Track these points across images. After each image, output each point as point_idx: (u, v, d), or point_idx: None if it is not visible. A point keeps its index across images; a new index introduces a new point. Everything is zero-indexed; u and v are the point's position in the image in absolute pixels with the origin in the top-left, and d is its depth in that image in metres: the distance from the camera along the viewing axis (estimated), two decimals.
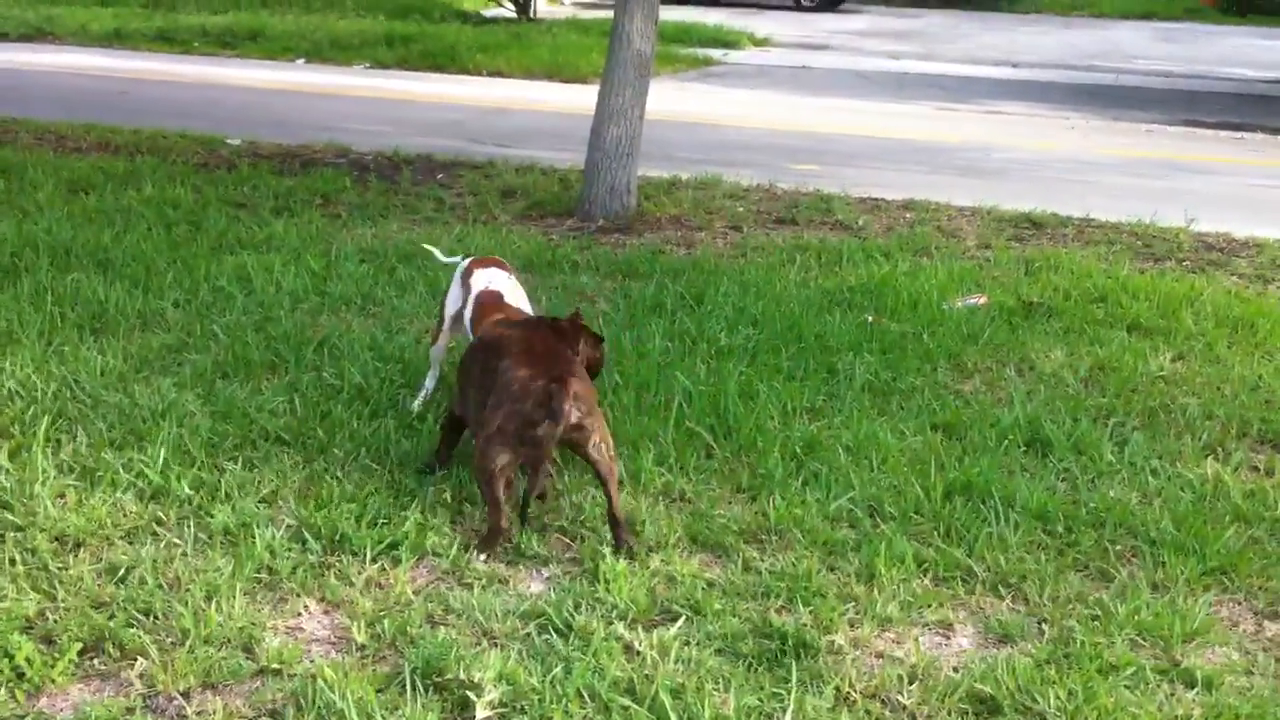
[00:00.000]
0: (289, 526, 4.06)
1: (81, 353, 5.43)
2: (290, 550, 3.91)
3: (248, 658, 3.37)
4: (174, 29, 19.21)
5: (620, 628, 3.55)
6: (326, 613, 3.65)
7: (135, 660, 3.34)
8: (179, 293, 6.37)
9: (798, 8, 27.56)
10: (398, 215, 8.58)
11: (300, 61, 17.50)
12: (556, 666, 3.32)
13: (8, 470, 4.34)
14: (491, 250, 7.44)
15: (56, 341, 5.55)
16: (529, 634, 3.53)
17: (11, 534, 3.95)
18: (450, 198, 9.20)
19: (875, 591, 3.83)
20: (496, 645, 3.47)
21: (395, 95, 14.66)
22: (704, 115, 13.59)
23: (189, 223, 7.88)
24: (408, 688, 3.21)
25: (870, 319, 6.32)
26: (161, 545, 3.93)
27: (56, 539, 3.94)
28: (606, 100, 8.58)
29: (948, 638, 3.70)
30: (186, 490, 4.23)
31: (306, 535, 3.99)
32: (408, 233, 8.01)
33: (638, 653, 3.44)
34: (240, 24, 19.28)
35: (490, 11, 22.35)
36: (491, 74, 16.69)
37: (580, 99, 13.50)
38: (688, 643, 3.50)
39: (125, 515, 4.10)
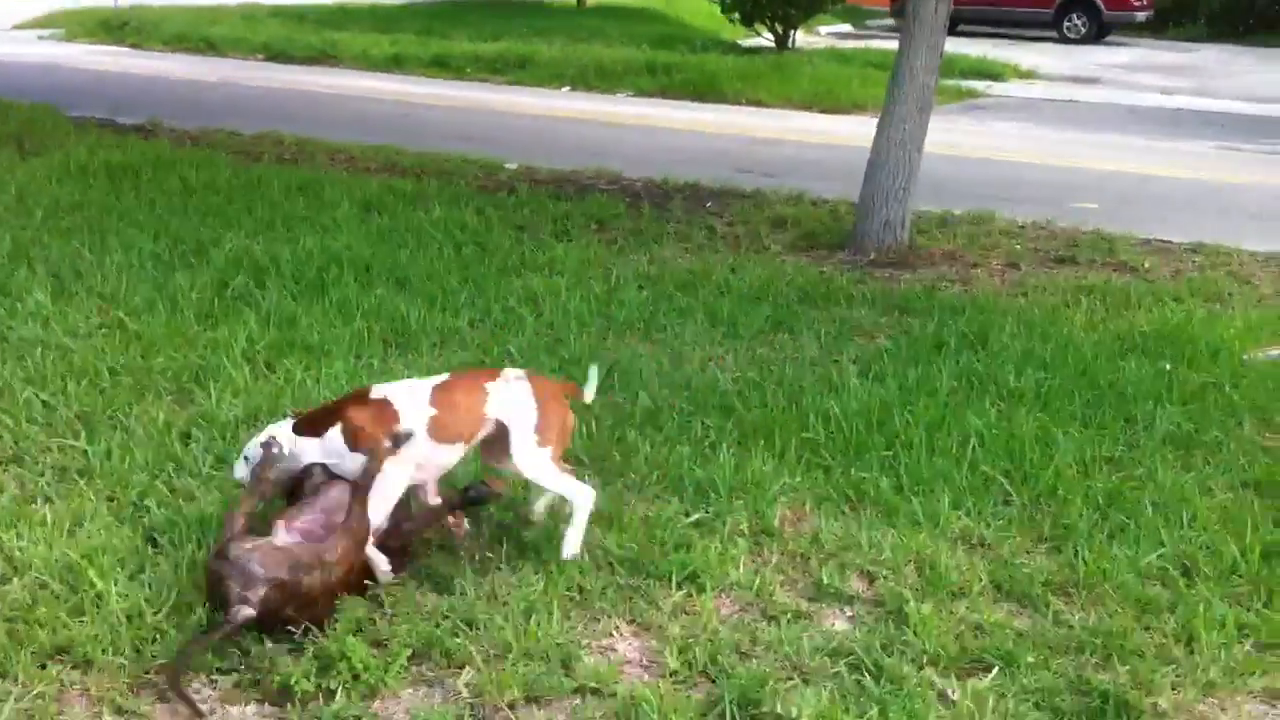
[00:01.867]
0: (597, 549, 4.15)
1: (388, 366, 5.70)
2: (600, 571, 4.00)
3: (566, 674, 3.46)
4: (448, 55, 20.00)
5: (931, 674, 3.51)
6: (637, 635, 3.72)
7: (462, 669, 3.47)
8: (473, 312, 6.62)
9: (1062, 39, 26.81)
10: (671, 242, 8.71)
11: (566, 89, 18.00)
12: (872, 709, 3.30)
13: None
14: (768, 282, 7.50)
15: (365, 355, 5.84)
16: (839, 673, 3.51)
17: None
18: (721, 226, 9.30)
19: (1195, 654, 3.68)
20: (808, 682, 3.47)
21: (658, 123, 14.91)
22: (971, 149, 13.33)
23: (476, 244, 8.17)
24: (726, 718, 3.23)
25: (1168, 367, 6.08)
26: (477, 558, 4.07)
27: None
28: (885, 133, 8.52)
29: (1275, 707, 3.52)
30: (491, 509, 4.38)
31: (614, 558, 4.07)
32: (683, 260, 8.13)
33: (952, 702, 3.39)
34: (511, 52, 19.94)
35: (749, 41, 22.49)
36: (751, 103, 16.81)
37: (844, 129, 13.54)
38: (1003, 694, 3.43)
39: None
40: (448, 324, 6.37)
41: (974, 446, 4.97)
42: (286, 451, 3.95)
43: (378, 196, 9.43)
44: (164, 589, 3.75)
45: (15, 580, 3.79)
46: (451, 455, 4.07)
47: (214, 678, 3.41)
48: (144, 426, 4.95)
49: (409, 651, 3.50)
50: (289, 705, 3.30)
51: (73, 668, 3.39)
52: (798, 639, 3.66)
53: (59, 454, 4.73)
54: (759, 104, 16.76)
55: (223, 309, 6.41)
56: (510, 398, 4.06)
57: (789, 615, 3.82)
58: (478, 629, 3.64)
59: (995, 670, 3.54)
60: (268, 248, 7.51)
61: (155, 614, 3.63)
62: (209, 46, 21.55)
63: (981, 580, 4.05)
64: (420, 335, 6.17)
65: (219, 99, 15.74)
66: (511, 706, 3.32)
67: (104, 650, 3.43)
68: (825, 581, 4.02)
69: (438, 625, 3.65)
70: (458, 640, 3.58)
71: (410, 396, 4.03)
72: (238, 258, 7.28)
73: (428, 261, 7.53)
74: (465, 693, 3.39)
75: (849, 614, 3.90)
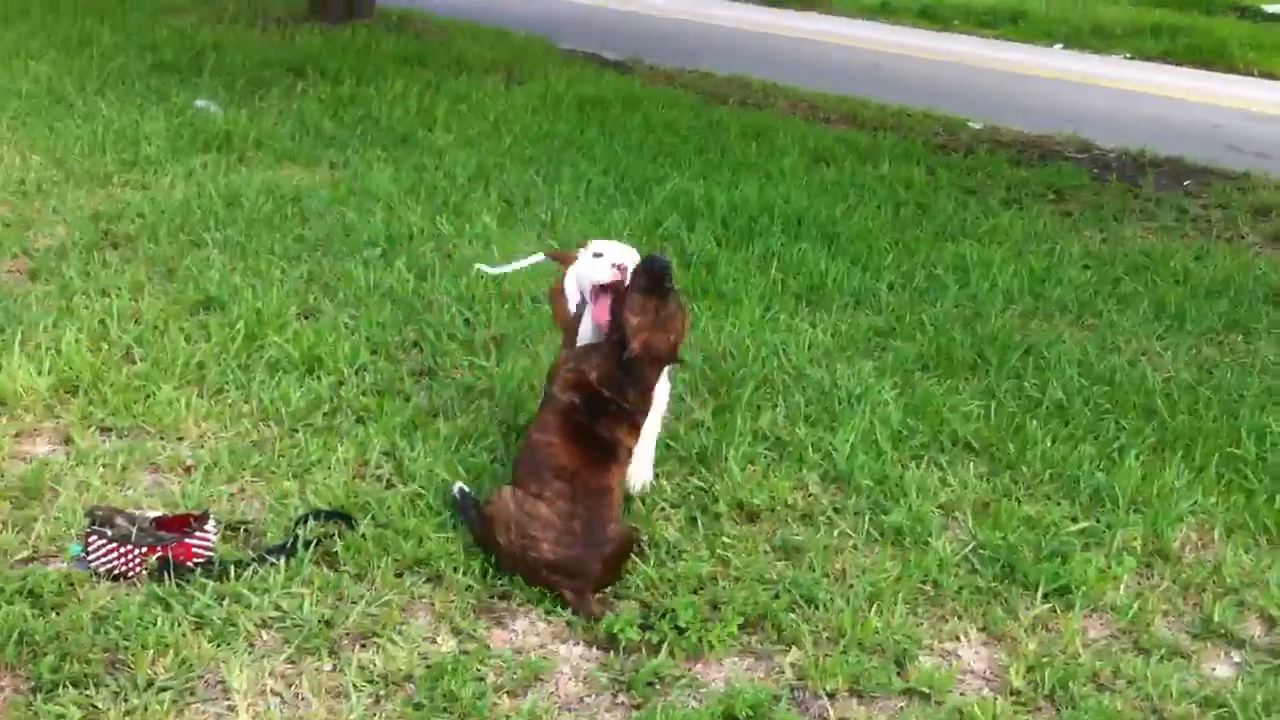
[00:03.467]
0: (961, 541, 3.90)
1: (795, 323, 5.60)
2: (959, 567, 3.76)
3: (898, 673, 3.27)
4: (938, 6, 19.58)
5: None
6: (985, 644, 3.46)
7: (790, 648, 3.35)
8: (895, 275, 6.40)
9: None
10: (1133, 220, 8.07)
11: (1058, 47, 17.11)
12: None
13: (709, 428, 4.56)
14: (1233, 275, 6.81)
15: (775, 308, 5.76)
16: None
17: (696, 492, 4.12)
18: (1195, 208, 8.53)
19: None
20: None
21: (1149, 89, 13.85)
22: None
23: (917, 204, 7.91)
24: None
25: None
26: (835, 533, 3.93)
27: (737, 505, 4.06)
28: None
29: None
30: (868, 482, 4.20)
31: (978, 556, 3.81)
32: (1142, 241, 7.52)
33: None
34: (1003, 5, 19.26)
35: (1272, 8, 20.47)
36: (1262, 74, 15.31)
37: None
38: None
39: (805, 495, 4.15)
40: (866, 284, 6.19)
41: None
42: None
43: (829, 148, 9.31)
44: None
45: (400, 488, 4.01)
46: None
47: (549, 612, 3.46)
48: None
49: (741, 619, 3.41)
50: (612, 653, 3.30)
51: (425, 580, 3.54)
52: (1167, 679, 3.27)
53: (469, 372, 4.98)
54: (1271, 76, 15.23)
55: (650, 248, 6.52)
56: None
57: (1163, 651, 3.43)
58: (816, 607, 3.51)
59: None
60: (706, 190, 7.58)
61: None
62: None
63: None
64: (834, 293, 6.03)
65: (699, 37, 16.09)
66: (833, 696, 3.17)
67: (456, 568, 3.56)
68: (1216, 618, 3.58)
69: (777, 596, 3.54)
70: (792, 617, 3.45)
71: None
72: (675, 198, 7.39)
73: (862, 219, 7.35)
74: (789, 673, 3.26)
75: (1235, 659, 3.45)
